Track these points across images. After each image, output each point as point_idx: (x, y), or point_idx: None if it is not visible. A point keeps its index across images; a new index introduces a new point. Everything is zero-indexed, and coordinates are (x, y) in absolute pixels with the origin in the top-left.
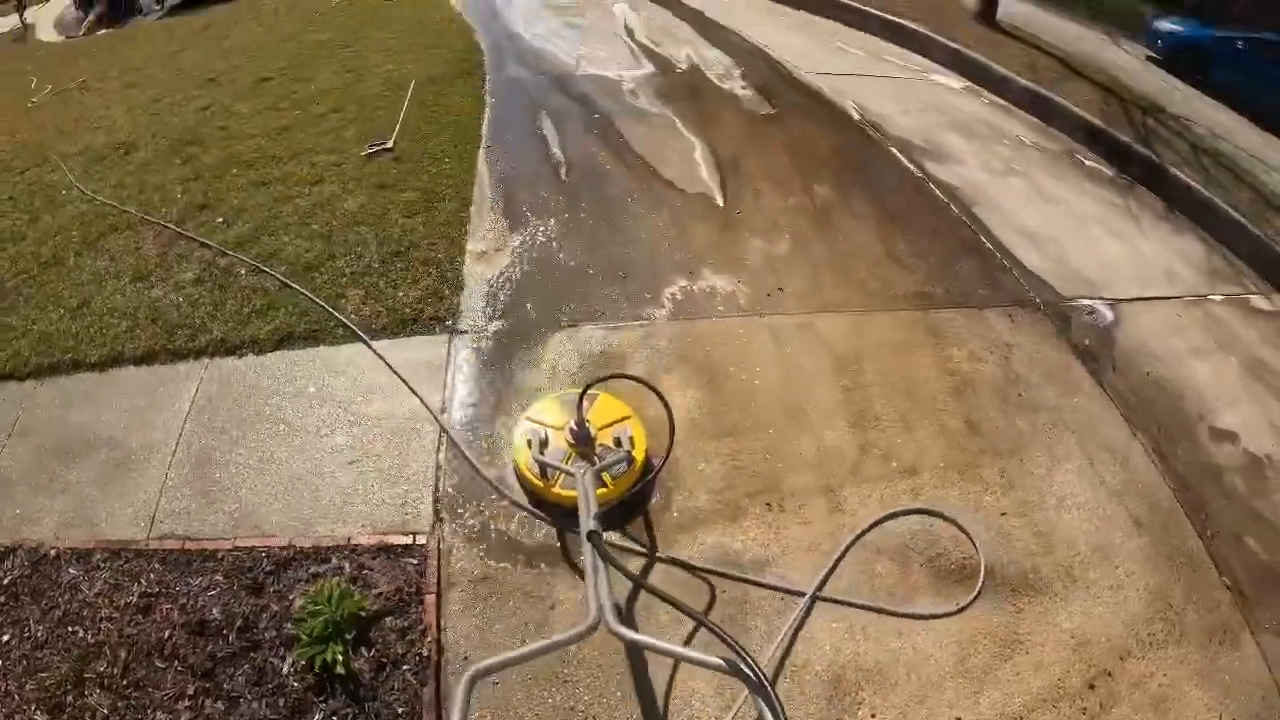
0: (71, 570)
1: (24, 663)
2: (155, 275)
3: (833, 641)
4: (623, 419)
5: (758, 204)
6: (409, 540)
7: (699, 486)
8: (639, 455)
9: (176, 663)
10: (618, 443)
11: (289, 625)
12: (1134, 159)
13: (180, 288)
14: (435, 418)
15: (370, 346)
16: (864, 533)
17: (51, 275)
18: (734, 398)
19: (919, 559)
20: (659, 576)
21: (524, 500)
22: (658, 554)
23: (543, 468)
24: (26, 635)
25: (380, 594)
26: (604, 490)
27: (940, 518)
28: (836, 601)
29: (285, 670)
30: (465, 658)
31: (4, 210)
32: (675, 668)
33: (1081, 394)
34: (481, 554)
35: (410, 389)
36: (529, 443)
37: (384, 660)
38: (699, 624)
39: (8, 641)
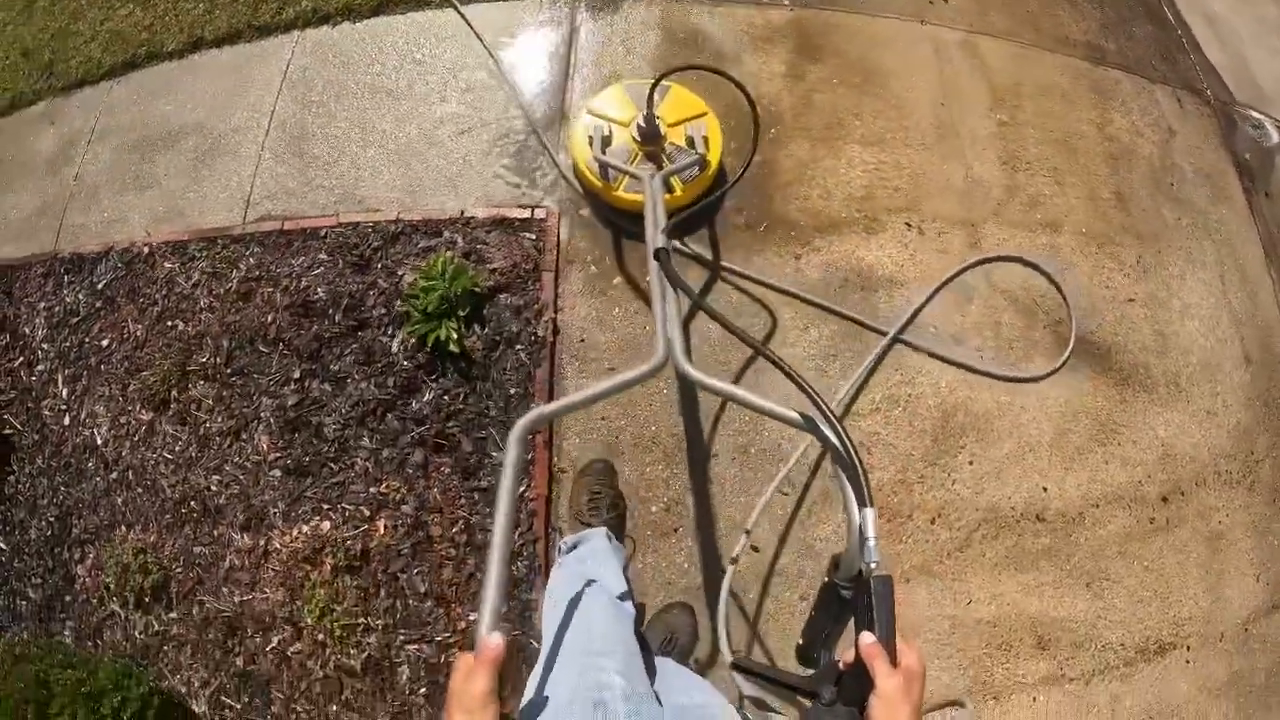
0: (167, 264)
1: (126, 364)
2: None
3: (948, 380)
4: (698, 116)
5: None
6: (527, 214)
7: (838, 190)
8: (713, 158)
9: (281, 346)
10: (690, 142)
11: (398, 302)
12: None
13: None
14: (524, 112)
15: (460, 12)
16: (958, 274)
17: None
18: (886, 106)
19: (1045, 319)
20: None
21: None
22: (728, 267)
23: (604, 168)
24: (126, 336)
25: (495, 270)
26: (671, 197)
27: (1041, 272)
28: (915, 347)
29: (394, 349)
30: (582, 340)
31: None
32: None
33: (1231, 207)
34: (600, 233)
35: (498, 68)
36: (589, 139)
37: (497, 339)
38: (792, 380)
39: (108, 346)
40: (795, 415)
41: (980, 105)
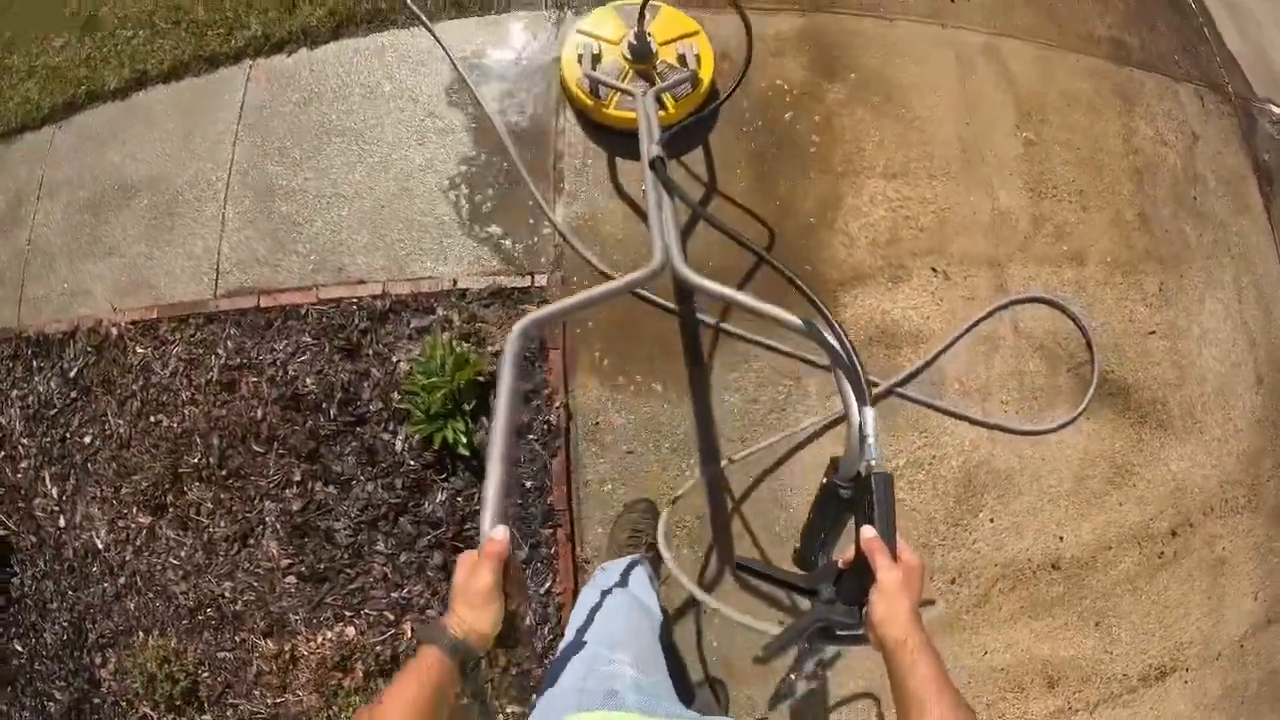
0: (139, 349)
1: (114, 464)
2: None
3: (972, 438)
4: (689, 34)
5: None
6: (527, 282)
7: (862, 235)
8: (705, 75)
9: (276, 445)
10: (682, 60)
11: (395, 395)
12: None
13: None
14: (513, 154)
15: (431, 30)
16: (978, 322)
17: None
18: (908, 128)
19: (1068, 362)
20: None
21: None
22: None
23: (594, 85)
24: (109, 433)
25: (498, 352)
26: (663, 114)
27: (1066, 314)
28: (912, 400)
29: (399, 447)
30: (596, 423)
31: None
32: None
33: (1249, 216)
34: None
35: (475, 93)
36: (579, 58)
37: None
38: (793, 284)
39: (91, 444)
40: (795, 319)
41: (1006, 122)
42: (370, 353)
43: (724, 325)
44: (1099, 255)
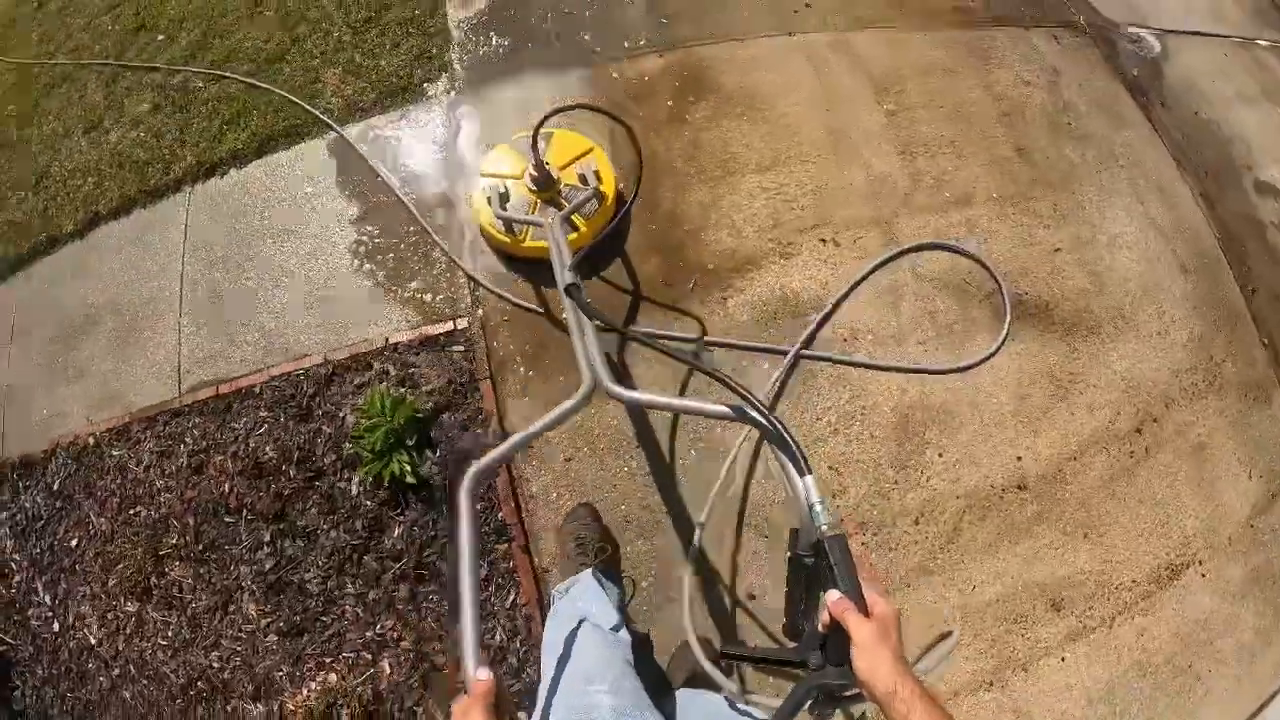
0: (115, 452)
1: (99, 560)
2: (108, 119)
3: (899, 382)
4: (584, 153)
5: None
6: (449, 326)
7: (746, 225)
8: (608, 189)
9: (245, 513)
10: (583, 180)
11: (347, 444)
12: None
13: (138, 122)
14: (420, 222)
15: (340, 134)
16: (866, 276)
17: (1, 160)
18: (774, 127)
19: (978, 295)
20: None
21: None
22: (632, 333)
23: (507, 224)
24: (93, 533)
25: (433, 390)
26: (575, 236)
27: (949, 250)
28: (819, 358)
29: (354, 491)
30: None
31: None
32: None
33: (1130, 128)
34: (526, 328)
35: (389, 183)
36: (489, 200)
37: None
38: (716, 379)
39: (78, 546)
40: (723, 408)
41: (866, 100)
42: (320, 413)
43: (629, 329)
44: (984, 194)
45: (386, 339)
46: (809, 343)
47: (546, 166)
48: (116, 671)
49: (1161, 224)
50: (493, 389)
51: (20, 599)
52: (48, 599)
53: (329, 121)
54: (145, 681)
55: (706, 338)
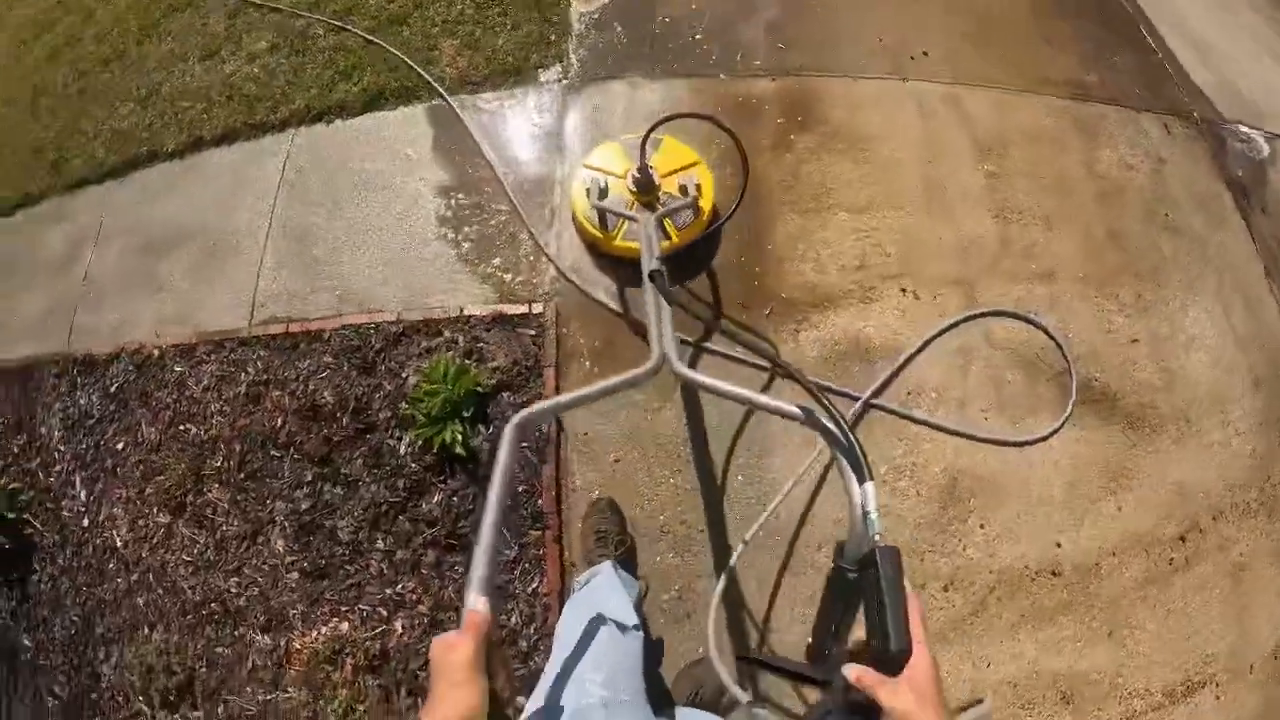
0: (177, 368)
1: (141, 468)
2: (225, 50)
3: (955, 445)
4: (690, 165)
5: None
6: (524, 309)
7: (831, 262)
8: (705, 205)
9: (291, 450)
10: (684, 191)
11: (404, 404)
12: None
13: (254, 58)
14: (515, 205)
15: (450, 104)
16: (941, 333)
17: (115, 71)
18: (873, 169)
19: (1047, 372)
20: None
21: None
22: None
23: (602, 216)
24: (140, 440)
25: (497, 368)
26: (666, 244)
27: (1025, 320)
28: (887, 409)
29: (402, 451)
30: (585, 434)
31: (55, 17)
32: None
33: (1227, 230)
34: (599, 325)
35: (488, 160)
36: (587, 191)
37: None
38: (789, 373)
39: (123, 449)
40: (791, 407)
41: (968, 159)
42: (383, 369)
43: (704, 345)
44: (1070, 272)
45: (461, 309)
46: (880, 392)
47: (651, 170)
48: (135, 577)
49: (1241, 332)
50: (555, 377)
51: (57, 489)
52: (83, 494)
53: (440, 90)
54: (161, 592)
55: (779, 362)
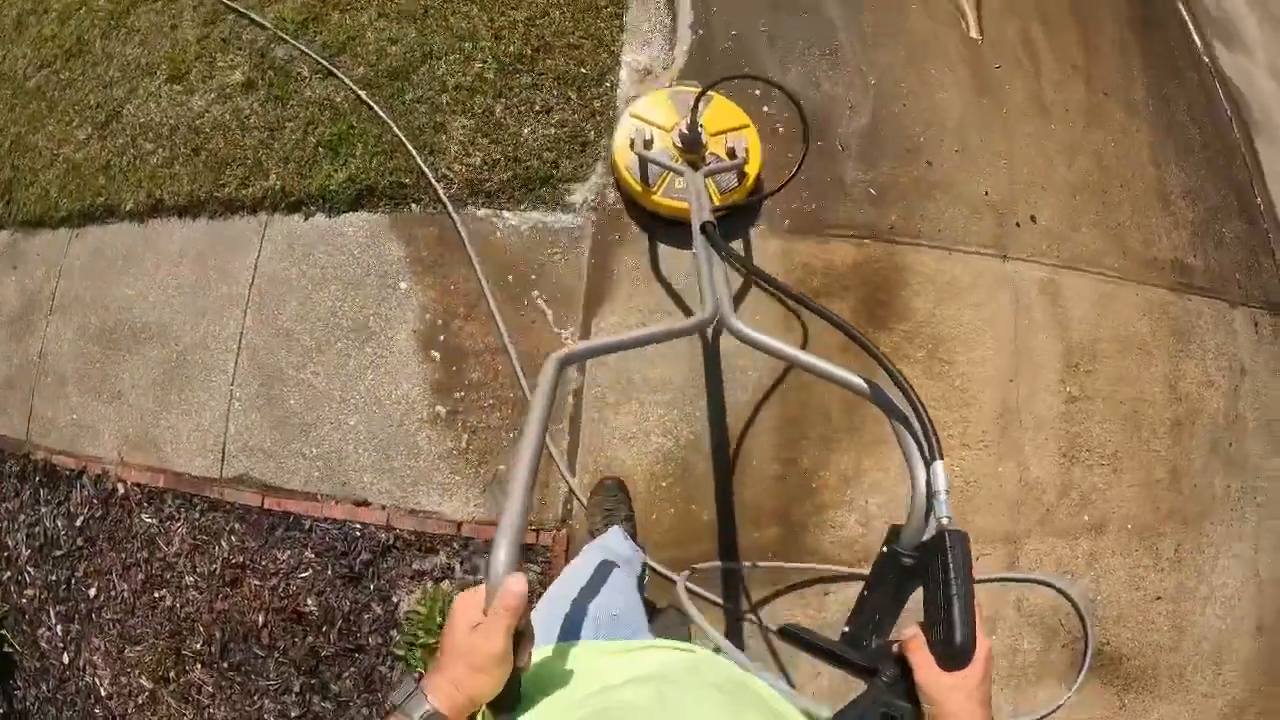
0: (145, 518)
1: (118, 627)
2: (195, 73)
3: None
4: (740, 127)
5: (1027, 54)
6: (532, 538)
7: (879, 512)
8: (751, 171)
9: (276, 653)
10: (731, 154)
11: (394, 633)
12: None
13: (225, 96)
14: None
15: (461, 234)
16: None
17: (76, 69)
18: (949, 389)
19: (1064, 638)
20: None
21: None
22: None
23: (644, 167)
24: (114, 594)
25: None
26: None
27: (1064, 595)
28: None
29: (395, 680)
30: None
31: None
32: None
33: None
34: None
35: (499, 327)
36: (631, 141)
37: None
38: (849, 334)
39: (97, 597)
40: (855, 378)
41: (1053, 377)
42: (371, 586)
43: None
44: (1120, 523)
45: (458, 525)
46: None
47: (700, 128)
48: None
49: (1265, 576)
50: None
51: (31, 614)
52: (60, 630)
53: (446, 203)
54: None
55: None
